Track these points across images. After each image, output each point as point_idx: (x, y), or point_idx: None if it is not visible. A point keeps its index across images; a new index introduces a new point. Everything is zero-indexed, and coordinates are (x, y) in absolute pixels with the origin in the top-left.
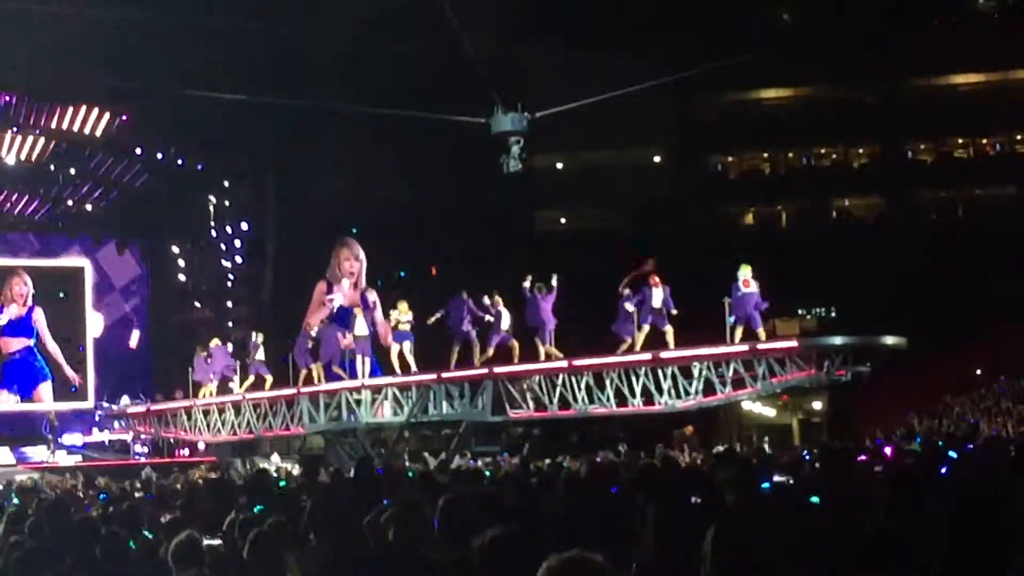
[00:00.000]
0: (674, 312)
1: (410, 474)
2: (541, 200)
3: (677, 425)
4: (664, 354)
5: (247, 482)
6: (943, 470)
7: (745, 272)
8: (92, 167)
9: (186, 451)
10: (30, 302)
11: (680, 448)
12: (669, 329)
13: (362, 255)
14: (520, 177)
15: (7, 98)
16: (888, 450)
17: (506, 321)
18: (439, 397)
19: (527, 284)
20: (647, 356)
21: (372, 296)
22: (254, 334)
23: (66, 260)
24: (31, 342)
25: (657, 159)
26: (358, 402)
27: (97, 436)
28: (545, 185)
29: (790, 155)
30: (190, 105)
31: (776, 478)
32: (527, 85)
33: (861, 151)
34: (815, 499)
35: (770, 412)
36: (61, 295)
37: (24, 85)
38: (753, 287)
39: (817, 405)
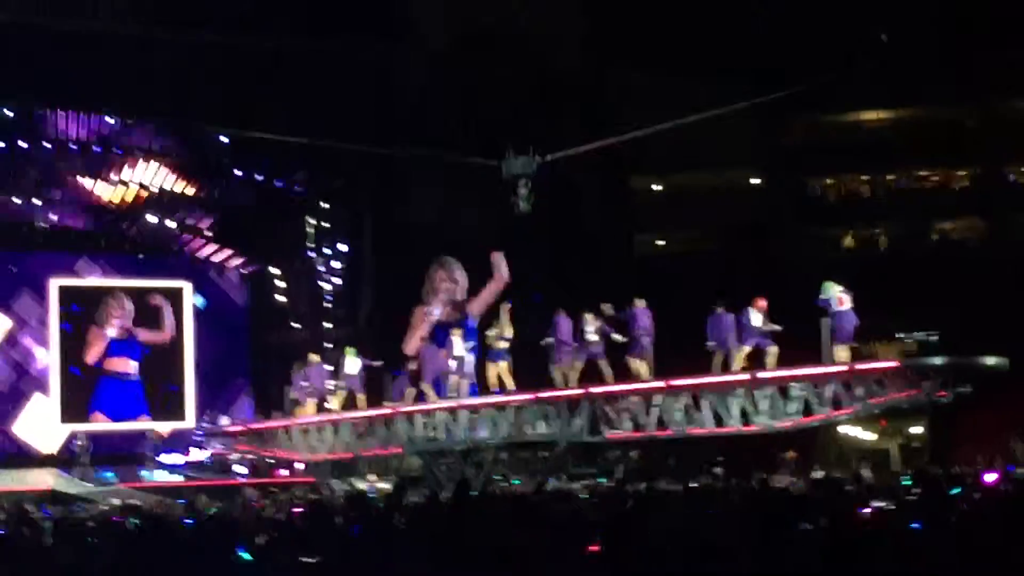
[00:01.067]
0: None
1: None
2: (639, 222)
3: (775, 448)
4: (762, 374)
5: (345, 503)
6: None
7: (834, 290)
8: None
9: (285, 471)
10: (129, 323)
11: (780, 472)
12: (773, 350)
13: (460, 276)
14: (619, 200)
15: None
16: (990, 477)
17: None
18: (535, 417)
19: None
20: (745, 376)
21: (471, 309)
22: (347, 350)
23: (167, 282)
24: (136, 364)
25: (755, 181)
26: (455, 421)
27: (197, 455)
28: (643, 207)
29: (889, 177)
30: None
31: (876, 503)
32: (620, 107)
33: (962, 173)
34: (915, 525)
35: (870, 436)
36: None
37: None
38: (848, 304)
39: (917, 430)
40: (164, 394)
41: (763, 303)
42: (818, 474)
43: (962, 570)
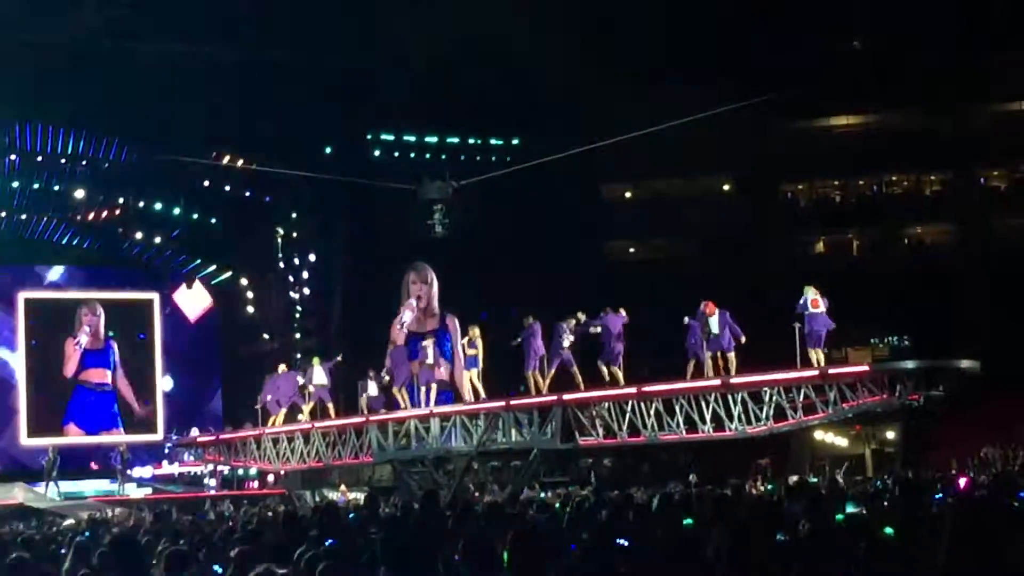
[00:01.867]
0: (742, 339)
1: (477, 507)
2: (610, 229)
3: (748, 454)
4: (734, 380)
5: (317, 515)
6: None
7: (811, 293)
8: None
9: (255, 483)
10: (102, 334)
11: (754, 479)
12: (731, 356)
13: (432, 278)
14: (589, 206)
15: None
16: (962, 481)
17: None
18: (508, 424)
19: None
20: (717, 382)
21: (451, 322)
22: (315, 360)
23: (135, 293)
24: (109, 376)
25: (727, 187)
26: (427, 430)
27: (167, 469)
28: (614, 214)
29: (861, 183)
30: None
31: (850, 509)
32: (599, 114)
33: (933, 178)
34: (889, 531)
35: (843, 442)
36: (141, 336)
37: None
38: (822, 307)
39: (890, 435)
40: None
41: (712, 307)
42: (792, 479)
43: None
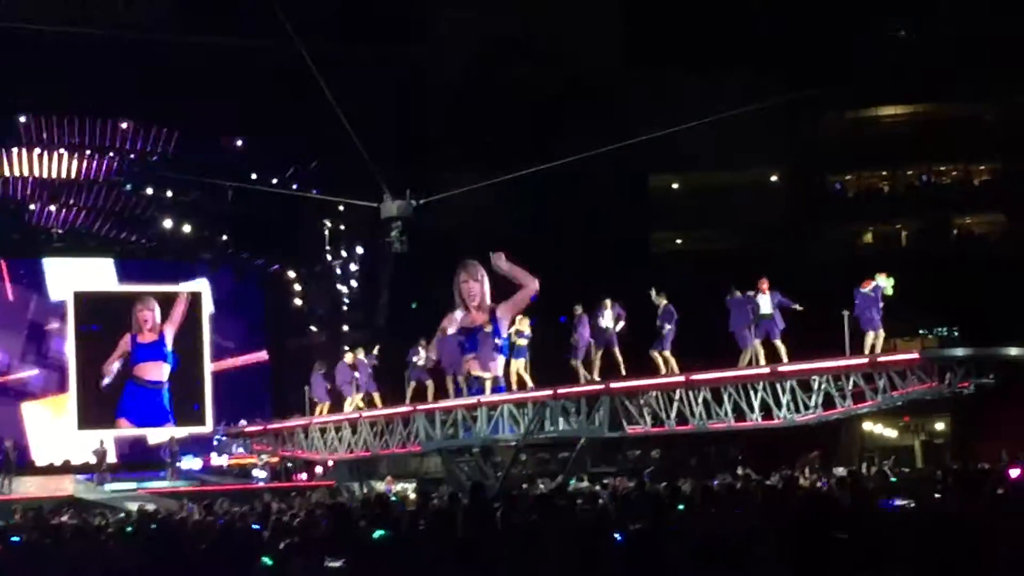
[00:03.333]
0: (795, 306)
1: (525, 499)
2: (657, 221)
3: (797, 444)
4: (783, 368)
5: (366, 505)
6: None
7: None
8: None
9: (304, 475)
10: (159, 327)
11: (802, 470)
12: (779, 343)
13: (482, 275)
14: (637, 198)
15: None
16: (1015, 472)
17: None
18: (555, 414)
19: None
20: (766, 370)
21: (499, 315)
22: (361, 351)
23: (185, 285)
24: (165, 371)
25: (774, 179)
26: (474, 419)
27: (216, 461)
28: (661, 206)
29: (909, 173)
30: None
31: (898, 501)
32: (642, 108)
33: (982, 168)
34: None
35: (892, 433)
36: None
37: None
38: (869, 286)
39: (940, 426)
40: (186, 400)
41: (765, 284)
42: (840, 471)
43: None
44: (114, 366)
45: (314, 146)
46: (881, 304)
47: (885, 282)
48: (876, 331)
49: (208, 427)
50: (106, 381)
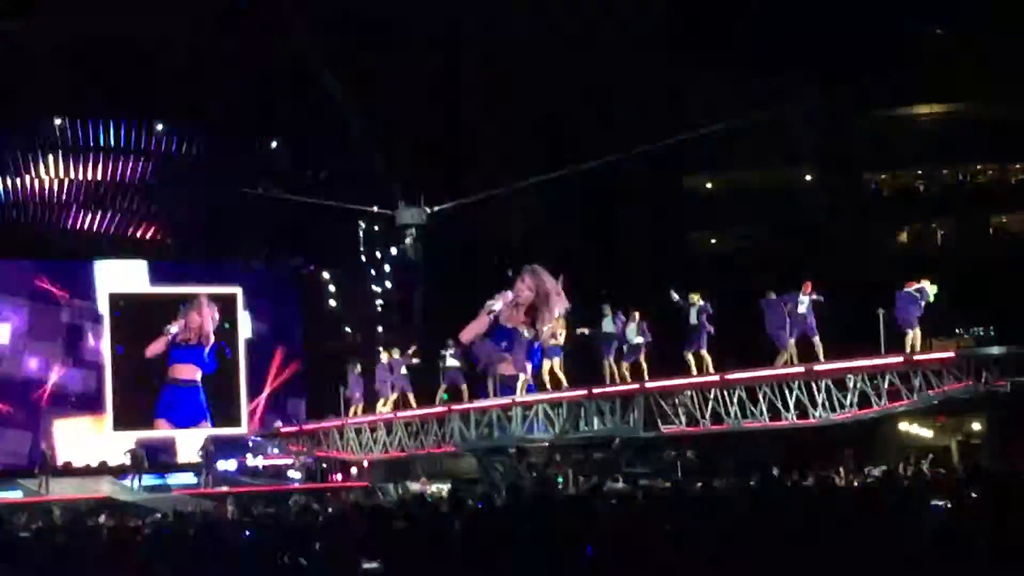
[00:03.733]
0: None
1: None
2: (691, 220)
3: (832, 445)
4: (818, 367)
5: (402, 506)
6: None
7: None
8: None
9: (339, 476)
10: (210, 333)
11: (837, 470)
12: (817, 340)
13: (541, 287)
14: (671, 198)
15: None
16: None
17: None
18: (590, 413)
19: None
20: (800, 369)
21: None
22: (396, 351)
23: (220, 288)
24: (199, 374)
25: (809, 178)
26: (509, 419)
27: (251, 462)
28: (695, 205)
29: (945, 172)
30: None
31: (935, 503)
32: (678, 107)
33: (1018, 166)
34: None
35: (928, 433)
36: (226, 325)
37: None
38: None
39: (976, 426)
40: (222, 401)
41: (809, 287)
42: (876, 472)
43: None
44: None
45: (336, 148)
46: (923, 305)
47: (931, 288)
48: (914, 330)
49: (244, 428)
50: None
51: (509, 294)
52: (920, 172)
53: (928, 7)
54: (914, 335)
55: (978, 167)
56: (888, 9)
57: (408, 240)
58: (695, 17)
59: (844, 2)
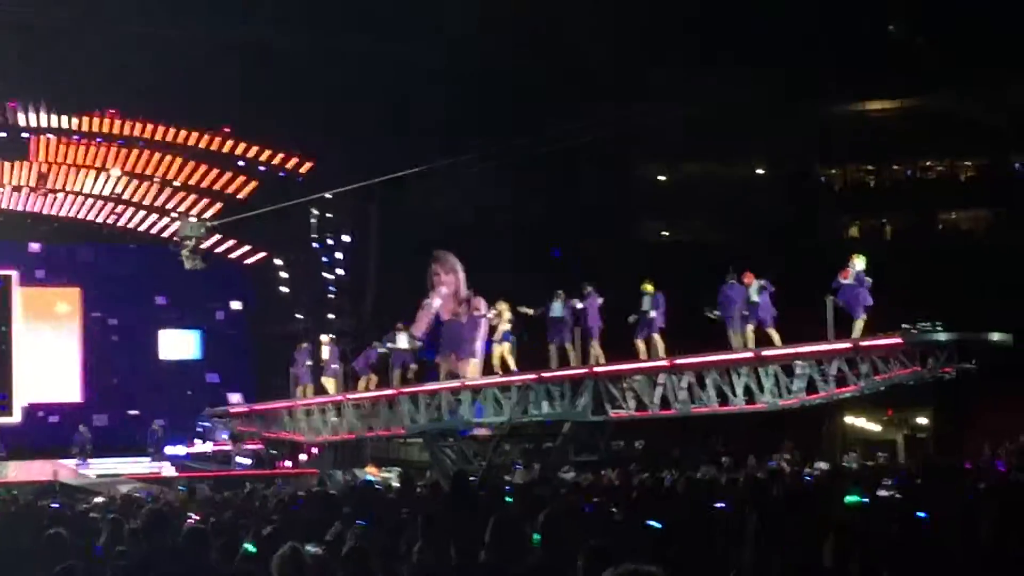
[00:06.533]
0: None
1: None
2: (643, 211)
3: (778, 435)
4: (766, 352)
5: (350, 494)
6: None
7: (858, 263)
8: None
9: (288, 463)
10: None
11: (779, 462)
12: (773, 332)
13: (458, 267)
14: (621, 187)
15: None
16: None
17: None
18: (539, 397)
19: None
20: (749, 354)
21: (479, 305)
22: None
23: None
24: None
25: (761, 171)
26: (458, 402)
27: (200, 448)
28: (647, 196)
29: (895, 167)
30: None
31: (882, 493)
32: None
33: (968, 163)
34: (922, 514)
35: (875, 427)
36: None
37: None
38: (850, 278)
39: (923, 420)
40: None
41: (750, 277)
42: (823, 465)
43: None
44: None
45: None
46: (868, 286)
47: (860, 263)
48: (861, 318)
49: (16, 418)
50: None
51: (443, 288)
52: (871, 167)
53: (882, 3)
54: (860, 323)
55: (928, 163)
56: (842, 5)
57: (185, 252)
58: (649, 6)
59: None
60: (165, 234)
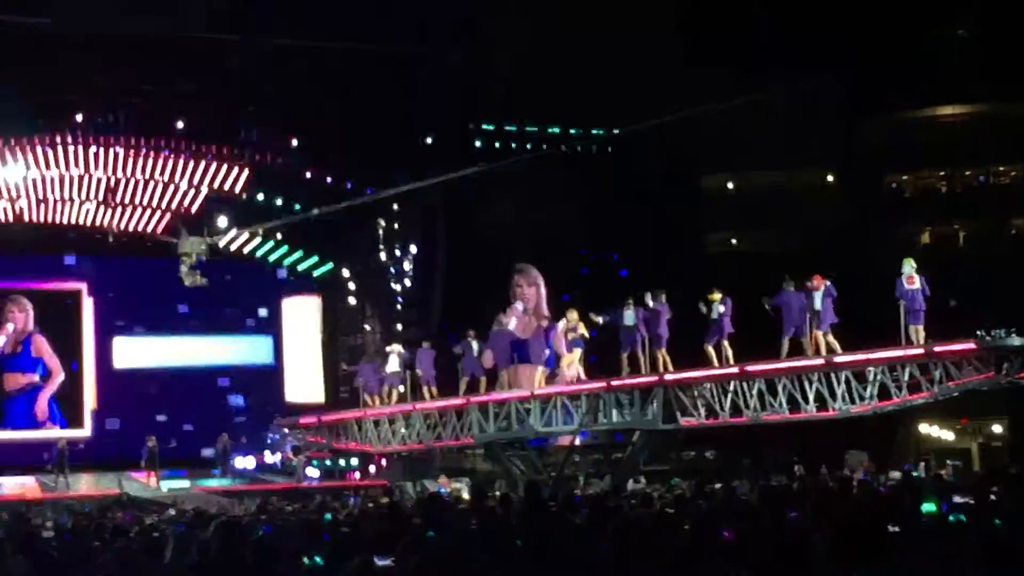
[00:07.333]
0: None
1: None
2: (712, 221)
3: (852, 445)
4: (838, 358)
5: (419, 505)
6: None
7: (907, 268)
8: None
9: (357, 474)
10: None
11: (852, 472)
12: (831, 339)
13: (539, 281)
14: (690, 198)
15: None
16: None
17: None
18: (609, 405)
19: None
20: (820, 361)
21: (548, 328)
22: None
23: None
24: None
25: (830, 179)
26: (527, 411)
27: (269, 459)
28: (716, 206)
29: (967, 173)
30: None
31: (957, 499)
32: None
33: None
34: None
35: (949, 435)
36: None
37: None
38: (917, 283)
39: (997, 429)
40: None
41: (818, 281)
42: (896, 475)
43: None
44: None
45: None
46: (922, 294)
47: (908, 267)
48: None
49: (87, 431)
50: None
51: (519, 305)
52: (941, 173)
53: (949, 8)
54: (918, 332)
55: (1000, 168)
56: (909, 10)
57: (184, 268)
58: (712, 13)
59: (865, 3)
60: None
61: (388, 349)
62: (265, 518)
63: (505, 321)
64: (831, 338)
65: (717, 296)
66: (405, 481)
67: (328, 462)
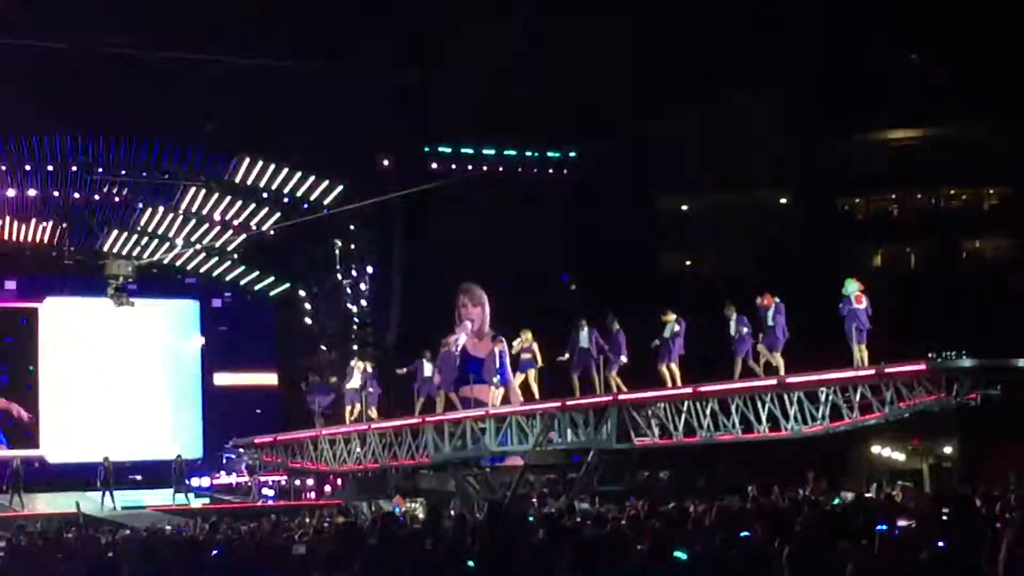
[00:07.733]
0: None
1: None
2: (665, 241)
3: (804, 466)
4: (790, 379)
5: (374, 525)
6: None
7: (853, 287)
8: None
9: (312, 494)
10: None
11: (809, 492)
12: (778, 356)
13: (484, 300)
14: (645, 218)
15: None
16: None
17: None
18: (563, 425)
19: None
20: (773, 381)
21: (500, 347)
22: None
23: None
24: None
25: (783, 201)
26: (483, 431)
27: (224, 479)
28: (669, 227)
29: (919, 196)
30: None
31: (901, 523)
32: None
33: (991, 192)
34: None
35: (900, 456)
36: None
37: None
38: (865, 302)
39: (948, 450)
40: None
41: (767, 299)
42: (849, 496)
43: None
44: None
45: None
46: (863, 311)
47: (855, 287)
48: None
49: (41, 451)
50: None
51: (468, 324)
52: (893, 196)
53: (903, 33)
54: (861, 351)
55: (951, 191)
56: (863, 35)
57: (110, 291)
58: (670, 36)
59: (822, 27)
60: None
61: (352, 364)
62: (220, 538)
63: (452, 341)
64: (778, 357)
65: (671, 317)
66: (360, 501)
67: (283, 481)
